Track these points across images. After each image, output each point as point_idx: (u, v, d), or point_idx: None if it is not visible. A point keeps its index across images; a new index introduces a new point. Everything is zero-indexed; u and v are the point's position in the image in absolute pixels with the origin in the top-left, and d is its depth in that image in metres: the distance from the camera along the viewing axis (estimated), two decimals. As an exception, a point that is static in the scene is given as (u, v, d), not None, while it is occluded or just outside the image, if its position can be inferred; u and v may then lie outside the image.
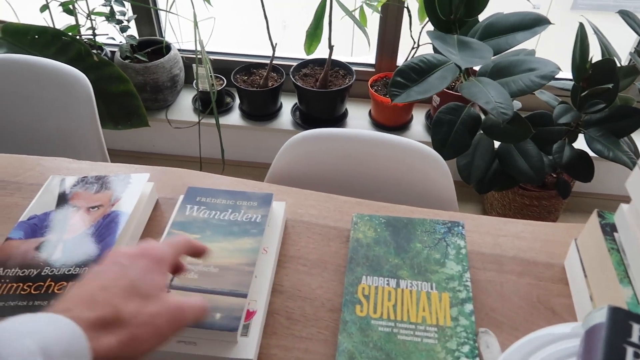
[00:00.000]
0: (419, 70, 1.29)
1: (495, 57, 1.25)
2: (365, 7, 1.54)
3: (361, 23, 1.47)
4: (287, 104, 1.93)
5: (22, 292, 0.58)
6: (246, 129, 1.88)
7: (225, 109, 1.90)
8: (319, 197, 0.76)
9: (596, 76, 1.26)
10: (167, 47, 1.83)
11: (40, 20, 1.74)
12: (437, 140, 1.38)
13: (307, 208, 0.75)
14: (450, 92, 1.70)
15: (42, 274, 0.60)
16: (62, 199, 0.71)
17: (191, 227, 0.65)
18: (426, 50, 1.66)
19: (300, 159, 0.85)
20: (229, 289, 0.58)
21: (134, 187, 0.71)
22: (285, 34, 1.78)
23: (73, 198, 0.71)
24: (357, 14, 1.50)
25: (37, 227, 0.67)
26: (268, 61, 1.85)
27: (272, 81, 1.83)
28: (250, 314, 0.58)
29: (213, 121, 1.81)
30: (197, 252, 0.53)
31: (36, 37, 1.67)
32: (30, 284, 0.59)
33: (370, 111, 1.90)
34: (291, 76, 1.77)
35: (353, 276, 0.62)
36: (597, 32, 1.31)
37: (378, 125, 1.85)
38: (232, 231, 0.65)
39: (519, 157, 1.42)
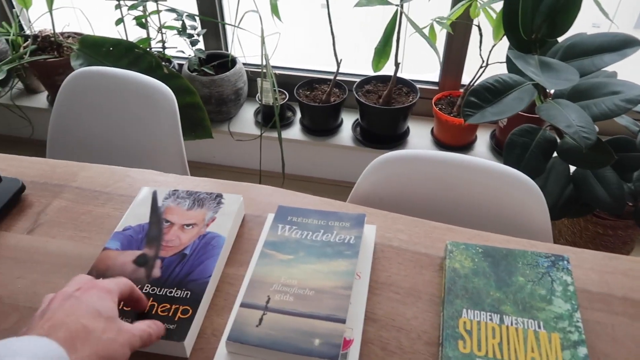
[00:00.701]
0: (494, 91, 1.25)
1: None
2: (435, 25, 1.51)
3: (432, 41, 1.45)
4: (348, 119, 1.92)
5: (124, 308, 0.57)
6: (306, 144, 1.88)
7: (286, 123, 1.91)
8: (408, 221, 0.74)
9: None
10: (233, 61, 1.86)
11: (114, 33, 1.80)
12: (509, 164, 1.33)
13: (396, 232, 0.72)
14: (520, 112, 1.64)
15: (144, 291, 0.60)
16: (155, 212, 0.71)
17: (284, 247, 0.64)
18: (494, 69, 1.62)
19: (385, 181, 0.83)
20: (326, 314, 0.56)
21: (227, 209, 0.70)
22: (348, 50, 1.77)
23: (166, 213, 0.70)
24: (426, 31, 1.48)
25: (132, 239, 0.66)
26: (330, 76, 1.85)
27: (334, 97, 1.83)
28: (347, 343, 0.56)
29: (273, 134, 1.82)
30: (136, 303, 0.56)
31: (111, 49, 1.73)
32: None
33: (432, 130, 1.87)
34: (354, 92, 1.76)
35: (452, 309, 0.59)
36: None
37: (441, 144, 1.81)
38: (326, 252, 0.63)
39: (597, 184, 1.35)
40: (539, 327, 0.57)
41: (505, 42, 1.39)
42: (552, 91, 1.35)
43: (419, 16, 1.51)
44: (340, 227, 0.67)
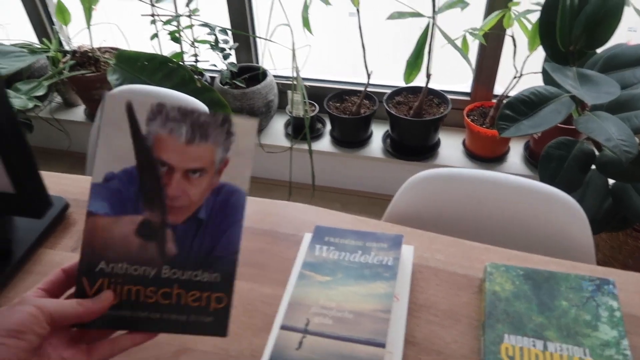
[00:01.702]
0: (530, 103, 1.23)
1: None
2: (468, 36, 1.50)
3: (464, 52, 1.44)
4: (378, 131, 1.92)
5: (148, 300, 0.48)
6: (336, 155, 1.88)
7: (315, 135, 1.92)
8: (445, 241, 0.73)
9: None
10: (264, 74, 1.89)
11: (149, 47, 1.85)
12: (545, 176, 1.31)
13: (433, 252, 0.72)
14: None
15: (163, 275, 0.48)
16: (142, 147, 0.48)
17: (322, 268, 0.64)
18: (528, 80, 1.59)
19: (421, 199, 0.83)
20: (365, 338, 0.56)
21: (241, 143, 0.50)
22: (378, 61, 1.77)
23: (158, 147, 0.48)
24: (458, 42, 1.46)
25: (122, 196, 0.48)
26: (360, 88, 1.85)
27: (364, 108, 1.83)
28: (386, 367, 0.56)
29: (303, 146, 1.83)
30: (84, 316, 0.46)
31: (145, 63, 1.77)
32: (153, 289, 0.48)
33: (464, 141, 1.84)
34: (384, 104, 1.76)
35: (494, 333, 0.58)
36: None
37: (472, 156, 1.79)
38: (364, 274, 0.63)
39: (637, 197, 1.31)
40: (585, 355, 0.55)
41: (539, 52, 1.37)
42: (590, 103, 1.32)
43: (450, 26, 1.50)
44: (378, 248, 0.66)
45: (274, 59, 1.90)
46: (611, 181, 1.34)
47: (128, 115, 0.47)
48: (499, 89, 1.83)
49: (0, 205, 0.59)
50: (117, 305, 0.48)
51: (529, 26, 1.44)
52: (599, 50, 1.25)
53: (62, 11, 1.91)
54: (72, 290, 0.49)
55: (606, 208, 1.36)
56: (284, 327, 0.58)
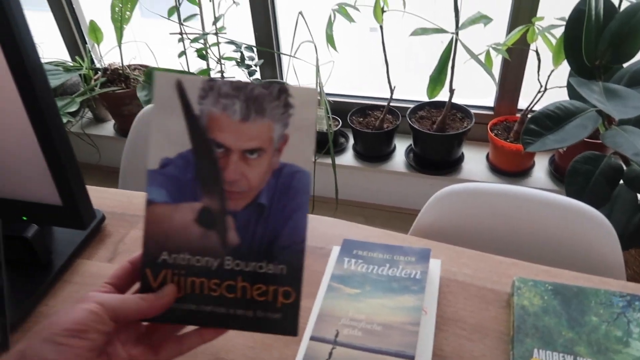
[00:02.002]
0: (555, 118, 1.23)
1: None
2: (491, 51, 1.50)
3: (488, 67, 1.44)
4: (401, 145, 1.93)
5: (212, 293, 0.46)
6: (359, 170, 1.90)
7: (339, 149, 1.94)
8: (472, 255, 0.74)
9: None
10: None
11: (177, 64, 1.90)
12: (572, 191, 1.30)
13: (461, 267, 0.72)
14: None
15: (226, 267, 0.46)
16: (196, 128, 0.45)
17: (350, 281, 0.66)
18: (553, 94, 1.59)
19: (447, 214, 0.83)
20: (395, 350, 0.57)
21: (302, 116, 0.45)
22: (400, 75, 1.79)
23: (212, 128, 0.45)
24: (482, 57, 1.47)
25: (179, 182, 0.45)
26: (383, 103, 1.87)
27: (387, 123, 1.84)
28: (415, 380, 0.56)
29: (326, 160, 1.85)
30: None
31: (174, 80, 1.82)
32: (217, 281, 0.46)
33: (488, 155, 1.84)
34: (407, 118, 1.77)
35: (523, 348, 0.58)
36: None
37: (497, 170, 1.78)
38: (392, 287, 0.64)
39: (668, 213, 1.29)
40: (617, 371, 0.55)
41: (564, 66, 1.37)
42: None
43: (473, 40, 1.51)
44: (406, 262, 0.67)
45: (298, 75, 1.93)
46: (640, 196, 1.32)
47: (179, 94, 0.45)
48: (523, 103, 1.83)
49: (48, 217, 0.62)
50: (181, 299, 0.46)
51: (554, 41, 1.44)
52: (625, 65, 1.24)
53: (95, 30, 1.99)
54: (137, 285, 0.48)
55: (635, 223, 1.34)
56: (313, 338, 0.59)
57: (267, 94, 0.44)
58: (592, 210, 0.79)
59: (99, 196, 0.89)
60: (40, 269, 0.72)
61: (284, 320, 0.46)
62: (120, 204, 0.88)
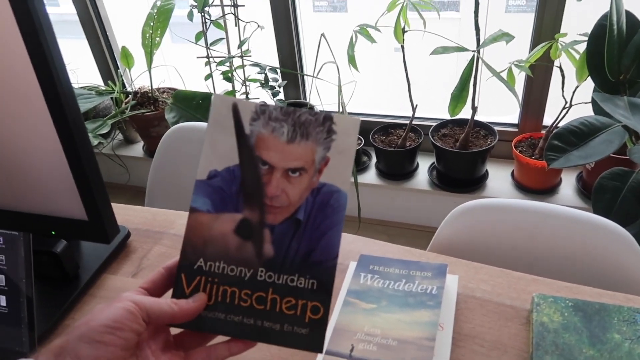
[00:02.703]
0: (580, 134, 1.21)
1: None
2: (514, 68, 1.50)
3: (510, 84, 1.44)
4: (424, 163, 1.92)
5: (242, 304, 0.47)
6: (382, 188, 1.90)
7: (361, 168, 1.95)
8: (491, 271, 0.73)
9: None
10: (311, 109, 1.95)
11: (204, 87, 1.96)
12: (599, 209, 1.27)
13: (479, 283, 0.72)
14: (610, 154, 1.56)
15: (259, 278, 0.47)
16: (244, 146, 0.48)
17: (366, 296, 0.66)
18: (578, 110, 1.57)
19: (466, 230, 0.83)
20: (409, 366, 0.57)
21: (343, 141, 0.48)
22: (423, 93, 1.80)
23: (259, 146, 0.48)
24: (504, 74, 1.47)
25: (224, 194, 0.48)
26: (405, 121, 1.87)
27: (410, 141, 1.84)
28: (431, 396, 0.56)
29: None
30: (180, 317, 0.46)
31: (200, 102, 1.88)
32: (248, 291, 0.47)
33: (512, 172, 1.82)
34: (430, 136, 1.77)
35: (542, 365, 0.57)
36: None
37: (522, 188, 1.76)
38: (408, 302, 0.64)
39: (701, 231, 1.24)
40: (640, 390, 0.53)
41: (589, 82, 1.35)
42: (644, 132, 1.28)
43: (496, 58, 1.51)
44: (422, 277, 0.67)
45: (320, 95, 1.96)
46: (672, 213, 1.28)
47: (233, 115, 0.48)
48: (548, 119, 1.81)
49: (74, 231, 0.65)
50: (212, 306, 0.47)
51: (577, 56, 1.43)
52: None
53: (127, 56, 2.07)
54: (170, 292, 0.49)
55: (668, 241, 1.30)
56: (329, 353, 0.59)
57: (313, 120, 0.48)
58: (615, 226, 0.77)
59: (125, 213, 0.92)
60: (67, 283, 0.75)
61: (310, 335, 0.46)
62: (145, 221, 0.91)
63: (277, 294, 0.47)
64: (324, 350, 0.60)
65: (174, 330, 0.48)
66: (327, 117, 0.48)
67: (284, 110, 0.48)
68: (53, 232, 0.67)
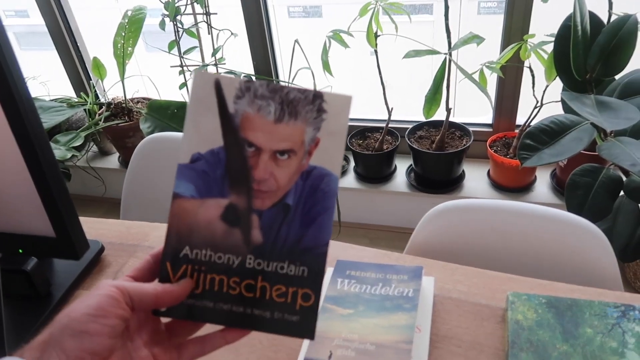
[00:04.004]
0: (551, 132, 1.23)
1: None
2: (485, 69, 1.52)
3: (482, 85, 1.46)
4: (402, 166, 1.94)
5: (231, 292, 0.45)
6: (361, 191, 1.91)
7: (340, 172, 1.95)
8: (466, 272, 0.74)
9: None
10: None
11: (179, 96, 1.94)
12: (572, 205, 1.29)
13: (455, 283, 0.72)
14: (582, 151, 1.60)
15: (247, 265, 0.45)
16: (229, 126, 0.45)
17: (344, 301, 0.66)
18: (550, 108, 1.60)
19: (441, 231, 0.84)
20: (387, 370, 0.57)
21: (335, 121, 0.45)
22: (398, 97, 1.81)
23: (245, 127, 0.45)
24: (476, 76, 1.49)
25: (209, 178, 0.46)
26: (382, 124, 1.88)
27: (387, 144, 1.86)
28: (410, 399, 0.56)
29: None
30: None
31: (175, 111, 1.86)
32: (237, 279, 0.45)
33: (489, 172, 1.84)
34: (406, 139, 1.78)
35: (518, 363, 0.58)
36: None
37: (498, 187, 1.78)
38: (385, 306, 0.64)
39: (671, 222, 1.28)
40: (613, 383, 0.54)
41: (559, 81, 1.38)
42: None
43: (468, 60, 1.53)
44: (399, 280, 0.68)
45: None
46: (642, 206, 1.31)
47: (216, 93, 0.45)
48: (521, 119, 1.84)
49: (42, 248, 0.64)
50: (199, 295, 0.46)
51: (546, 57, 1.46)
52: (617, 77, 1.25)
53: (98, 66, 2.04)
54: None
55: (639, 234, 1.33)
56: (307, 360, 0.59)
57: (302, 98, 0.45)
58: (586, 223, 0.79)
59: (99, 227, 0.91)
60: (39, 301, 0.73)
61: (302, 322, 0.45)
62: (119, 234, 0.89)
63: (267, 282, 0.45)
64: (303, 359, 0.60)
65: (165, 321, 0.47)
66: (317, 95, 0.45)
67: (271, 87, 0.45)
68: (20, 250, 0.66)
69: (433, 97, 1.53)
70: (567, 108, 1.36)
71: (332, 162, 0.45)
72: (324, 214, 0.45)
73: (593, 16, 1.18)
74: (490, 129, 1.88)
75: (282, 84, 0.47)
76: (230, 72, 1.83)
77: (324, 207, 0.45)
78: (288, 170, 0.45)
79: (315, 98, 0.45)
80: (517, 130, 1.80)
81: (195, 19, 1.80)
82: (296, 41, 1.69)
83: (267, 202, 0.46)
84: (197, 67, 1.84)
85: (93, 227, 0.91)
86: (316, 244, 0.45)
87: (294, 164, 0.45)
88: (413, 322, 0.62)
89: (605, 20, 1.23)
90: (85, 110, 2.13)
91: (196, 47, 1.85)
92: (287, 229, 0.45)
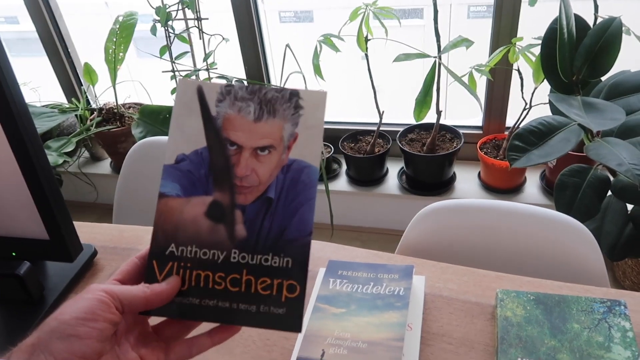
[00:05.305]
0: (539, 133, 1.25)
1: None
2: (474, 72, 1.54)
3: (471, 88, 1.48)
4: (393, 168, 1.95)
5: (216, 287, 0.46)
6: (353, 194, 1.92)
7: (332, 175, 1.96)
8: (457, 270, 0.75)
9: None
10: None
11: (170, 101, 1.94)
12: (561, 205, 1.31)
13: (445, 282, 0.73)
14: (570, 152, 1.62)
15: (232, 260, 0.46)
16: (211, 128, 0.48)
17: (336, 301, 0.67)
18: (538, 110, 1.62)
19: (432, 231, 0.85)
20: (379, 367, 0.57)
21: (311, 116, 0.48)
22: (389, 100, 1.83)
23: (227, 127, 0.48)
24: (465, 78, 1.51)
25: (193, 177, 0.48)
26: (373, 128, 1.90)
27: (378, 147, 1.87)
28: (402, 395, 0.57)
29: (320, 187, 1.87)
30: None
31: (167, 116, 1.86)
32: (222, 274, 0.46)
33: (479, 174, 1.86)
34: (398, 141, 1.80)
35: (506, 358, 0.59)
36: None
37: (489, 188, 1.80)
38: (376, 305, 0.65)
39: (658, 221, 1.30)
40: (600, 377, 0.56)
41: (547, 83, 1.40)
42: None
43: (458, 63, 1.55)
44: (390, 279, 0.68)
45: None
46: (630, 206, 1.33)
47: (199, 98, 0.48)
48: (510, 121, 1.86)
49: (36, 251, 0.64)
50: (185, 292, 0.46)
51: (534, 59, 1.48)
52: (604, 78, 1.28)
53: (90, 72, 2.04)
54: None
55: (628, 234, 1.35)
56: (300, 359, 0.59)
57: (280, 97, 0.48)
58: (573, 222, 0.80)
59: (92, 231, 0.91)
60: (32, 305, 0.74)
61: (288, 315, 0.45)
62: (112, 238, 0.90)
63: (252, 275, 0.46)
64: (296, 358, 0.60)
65: (153, 323, 0.48)
66: (294, 92, 0.48)
67: (250, 89, 0.48)
68: (14, 253, 0.66)
69: (423, 100, 1.54)
70: (554, 110, 1.38)
71: (311, 154, 0.47)
72: (306, 204, 0.47)
73: (579, 19, 1.20)
74: (481, 131, 1.90)
75: (260, 86, 0.49)
76: (222, 76, 1.83)
77: (305, 198, 0.47)
78: (269, 165, 0.48)
79: (292, 96, 0.48)
80: (506, 132, 1.82)
81: (187, 24, 1.81)
82: (287, 45, 1.70)
83: (250, 197, 0.47)
84: (189, 72, 1.85)
85: (85, 231, 0.91)
86: (299, 235, 0.46)
87: (275, 159, 0.48)
88: (404, 320, 0.62)
89: (591, 23, 1.25)
90: (76, 116, 2.13)
91: (188, 52, 1.86)
92: (270, 221, 0.47)
